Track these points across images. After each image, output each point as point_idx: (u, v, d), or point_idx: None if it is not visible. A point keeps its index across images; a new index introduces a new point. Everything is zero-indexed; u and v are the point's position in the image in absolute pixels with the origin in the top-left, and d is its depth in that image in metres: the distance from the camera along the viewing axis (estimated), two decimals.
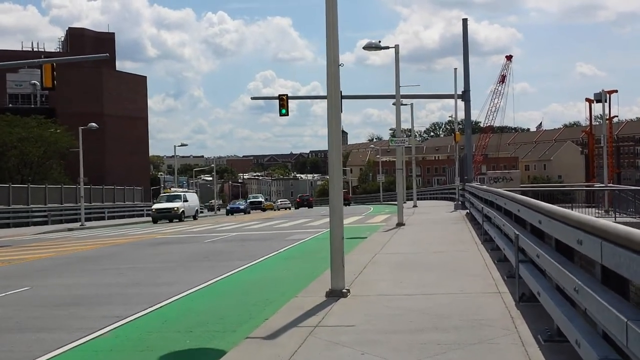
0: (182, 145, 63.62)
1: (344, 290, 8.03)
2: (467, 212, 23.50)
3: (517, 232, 7.07)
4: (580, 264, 5.47)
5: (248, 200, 66.48)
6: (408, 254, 12.57)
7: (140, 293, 9.94)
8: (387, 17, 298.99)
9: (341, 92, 27.75)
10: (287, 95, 30.44)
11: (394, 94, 21.42)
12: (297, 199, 79.96)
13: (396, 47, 20.54)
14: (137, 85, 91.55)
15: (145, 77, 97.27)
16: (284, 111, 30.09)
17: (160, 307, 8.66)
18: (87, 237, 25.25)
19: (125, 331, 7.36)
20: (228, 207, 59.63)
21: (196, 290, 9.94)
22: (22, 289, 10.83)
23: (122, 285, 10.86)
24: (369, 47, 20.10)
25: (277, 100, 30.17)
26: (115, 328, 7.46)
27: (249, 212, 55.06)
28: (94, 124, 37.37)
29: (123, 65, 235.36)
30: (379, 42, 20.06)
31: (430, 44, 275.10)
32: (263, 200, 67.90)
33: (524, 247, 6.81)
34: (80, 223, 36.85)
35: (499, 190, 10.67)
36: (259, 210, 62.15)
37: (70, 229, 34.41)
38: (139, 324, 7.72)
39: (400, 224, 20.16)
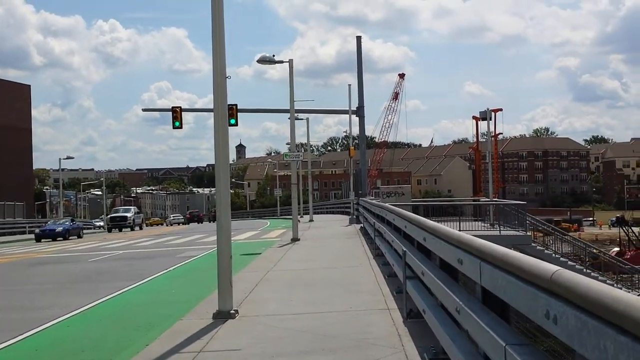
0: (69, 158, 60.37)
1: (232, 312, 7.74)
2: (361, 227, 23.80)
3: (405, 249, 7.09)
4: (464, 283, 5.52)
5: (109, 216, 50.01)
6: (301, 270, 12.43)
7: (11, 318, 9.12)
8: (285, 32, 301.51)
9: (236, 105, 27.40)
10: (180, 107, 29.67)
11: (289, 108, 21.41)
12: (187, 215, 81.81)
13: (290, 61, 20.57)
14: (20, 93, 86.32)
15: (29, 85, 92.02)
16: (177, 123, 29.30)
17: (33, 334, 7.96)
18: None
19: None
20: (37, 231, 36.12)
21: (74, 314, 9.25)
22: None
23: None
24: (262, 60, 19.96)
25: (171, 113, 29.35)
26: None
27: (67, 238, 34.80)
28: None
29: (6, 73, 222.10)
30: (273, 55, 19.99)
31: (327, 60, 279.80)
32: (130, 215, 44.94)
33: (411, 264, 6.83)
34: None
35: (388, 205, 10.79)
36: (127, 229, 43.68)
37: None
38: (7, 353, 7.04)
39: (295, 239, 20.05)
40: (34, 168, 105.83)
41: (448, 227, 5.08)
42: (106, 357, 6.62)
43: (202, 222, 67.44)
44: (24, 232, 47.33)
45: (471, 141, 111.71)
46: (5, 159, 76.94)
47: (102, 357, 6.67)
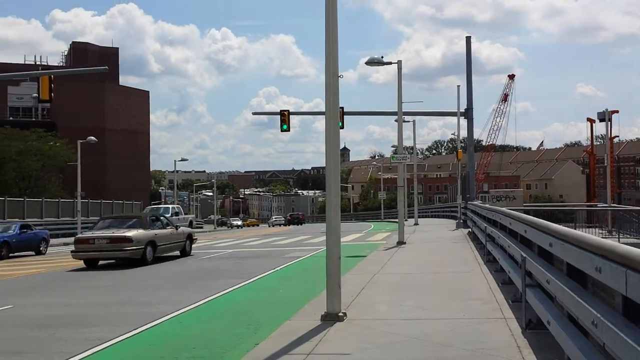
0: (183, 160, 63.19)
1: (340, 314, 7.60)
2: (469, 231, 23.06)
3: (524, 255, 6.64)
4: (593, 291, 5.05)
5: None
6: (409, 274, 12.12)
7: (126, 313, 9.49)
8: (390, 36, 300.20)
9: (342, 107, 27.40)
10: (288, 110, 30.15)
11: (396, 110, 21.10)
12: (288, 217, 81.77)
13: (399, 62, 20.26)
14: (140, 99, 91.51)
15: (148, 91, 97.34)
16: (285, 127, 29.81)
17: (147, 329, 8.21)
18: None
19: (106, 356, 6.91)
20: None
21: (186, 310, 9.47)
22: (3, 308, 10.38)
23: (109, 305, 10.40)
24: (371, 62, 19.77)
25: (279, 116, 29.90)
26: (96, 352, 7.01)
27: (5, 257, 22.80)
28: (92, 137, 37.09)
29: (127, 80, 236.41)
30: (382, 57, 19.76)
31: (432, 63, 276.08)
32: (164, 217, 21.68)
33: (532, 271, 6.38)
34: None
35: (504, 209, 10.25)
36: None
37: (65, 244, 33.92)
38: (122, 348, 7.27)
39: (400, 243, 19.72)
40: (151, 170, 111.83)
41: (581, 232, 4.65)
42: (217, 355, 6.67)
43: (302, 224, 69.06)
44: None
45: (584, 144, 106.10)
46: (126, 162, 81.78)
47: (213, 354, 6.72)
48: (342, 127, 31.77)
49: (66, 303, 10.89)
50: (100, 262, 17.64)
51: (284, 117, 29.73)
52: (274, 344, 6.62)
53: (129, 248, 16.88)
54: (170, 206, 43.42)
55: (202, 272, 14.94)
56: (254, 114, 48.04)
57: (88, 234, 18.08)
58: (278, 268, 15.03)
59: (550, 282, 5.12)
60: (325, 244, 7.85)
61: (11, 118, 79.69)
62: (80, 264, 17.47)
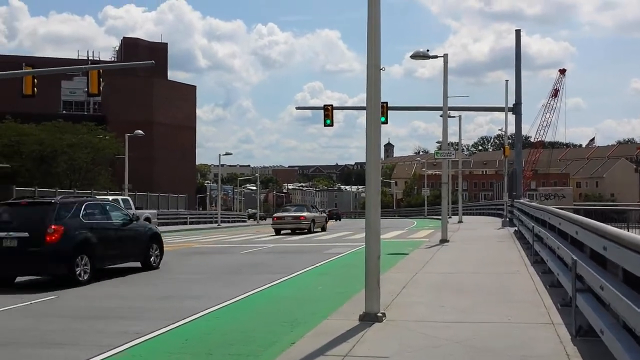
0: (227, 154, 63.56)
1: (379, 314, 7.36)
2: (515, 230, 22.45)
3: (575, 258, 6.28)
4: None
5: None
6: (451, 273, 11.79)
7: (165, 307, 9.46)
8: (437, 31, 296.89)
9: (386, 102, 27.10)
10: (332, 105, 29.95)
11: (441, 105, 20.64)
12: (327, 212, 79.09)
13: (445, 56, 19.79)
14: (187, 94, 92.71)
15: (195, 86, 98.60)
16: (328, 121, 29.65)
17: (184, 323, 8.15)
18: None
19: (143, 350, 6.86)
20: None
21: (224, 305, 9.39)
22: (48, 298, 10.52)
23: (149, 298, 10.43)
24: (416, 55, 19.39)
25: (323, 111, 29.74)
26: (133, 346, 6.97)
27: None
28: (140, 131, 37.66)
29: (175, 75, 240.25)
30: (427, 50, 19.35)
31: (480, 57, 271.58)
32: None
33: (583, 275, 6.02)
34: None
35: (553, 208, 9.82)
36: None
37: None
38: (159, 342, 7.22)
39: (444, 241, 19.31)
40: (197, 164, 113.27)
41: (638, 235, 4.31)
42: (254, 353, 6.53)
43: (340, 220, 68.98)
44: (185, 223, 50.63)
45: (638, 141, 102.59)
46: (173, 156, 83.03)
47: (249, 351, 6.58)
48: (385, 122, 31.37)
49: (106, 294, 10.96)
50: None
51: (328, 111, 29.54)
52: (310, 343, 6.44)
53: None
54: (111, 198, 31.69)
55: (242, 267, 14.90)
56: (298, 108, 47.71)
57: None
58: (318, 264, 14.87)
59: (605, 289, 4.78)
60: (365, 241, 7.61)
61: (64, 112, 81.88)
62: None
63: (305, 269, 13.95)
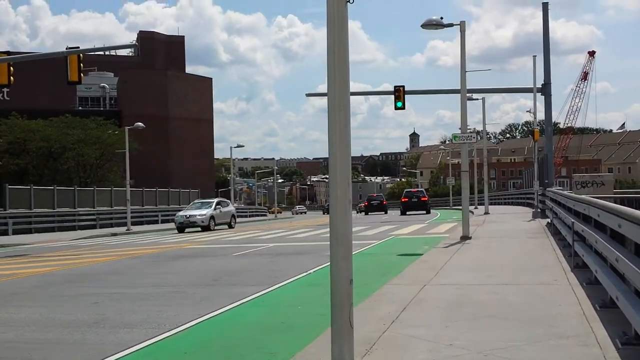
0: (239, 146, 61.78)
1: None
2: (547, 222, 19.77)
3: None
4: None
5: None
6: (469, 285, 9.25)
7: (84, 342, 7.14)
8: (459, 17, 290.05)
9: (403, 86, 24.81)
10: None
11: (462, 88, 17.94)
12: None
13: (461, 23, 17.11)
14: (203, 87, 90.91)
15: (211, 79, 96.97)
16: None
17: None
18: (118, 245, 23.07)
19: None
20: None
21: (158, 340, 7.00)
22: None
23: (84, 324, 8.06)
24: (429, 24, 16.78)
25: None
26: None
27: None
28: (139, 123, 35.58)
29: (197, 70, 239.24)
30: (441, 18, 16.71)
31: (503, 43, 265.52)
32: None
33: None
34: (126, 227, 35.05)
35: (602, 202, 7.24)
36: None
37: (114, 234, 32.67)
38: None
39: (465, 238, 16.70)
40: (220, 157, 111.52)
41: None
42: None
43: (386, 212, 53.43)
44: None
45: None
46: (190, 149, 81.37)
47: None
48: (402, 108, 28.96)
49: (42, 319, 8.66)
50: (128, 255, 15.56)
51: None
52: None
53: None
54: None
55: (222, 274, 12.57)
56: (307, 95, 45.41)
57: None
58: (311, 270, 12.45)
59: None
60: (330, 258, 5.10)
61: (80, 107, 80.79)
62: (106, 260, 15.42)
63: (295, 277, 11.57)
